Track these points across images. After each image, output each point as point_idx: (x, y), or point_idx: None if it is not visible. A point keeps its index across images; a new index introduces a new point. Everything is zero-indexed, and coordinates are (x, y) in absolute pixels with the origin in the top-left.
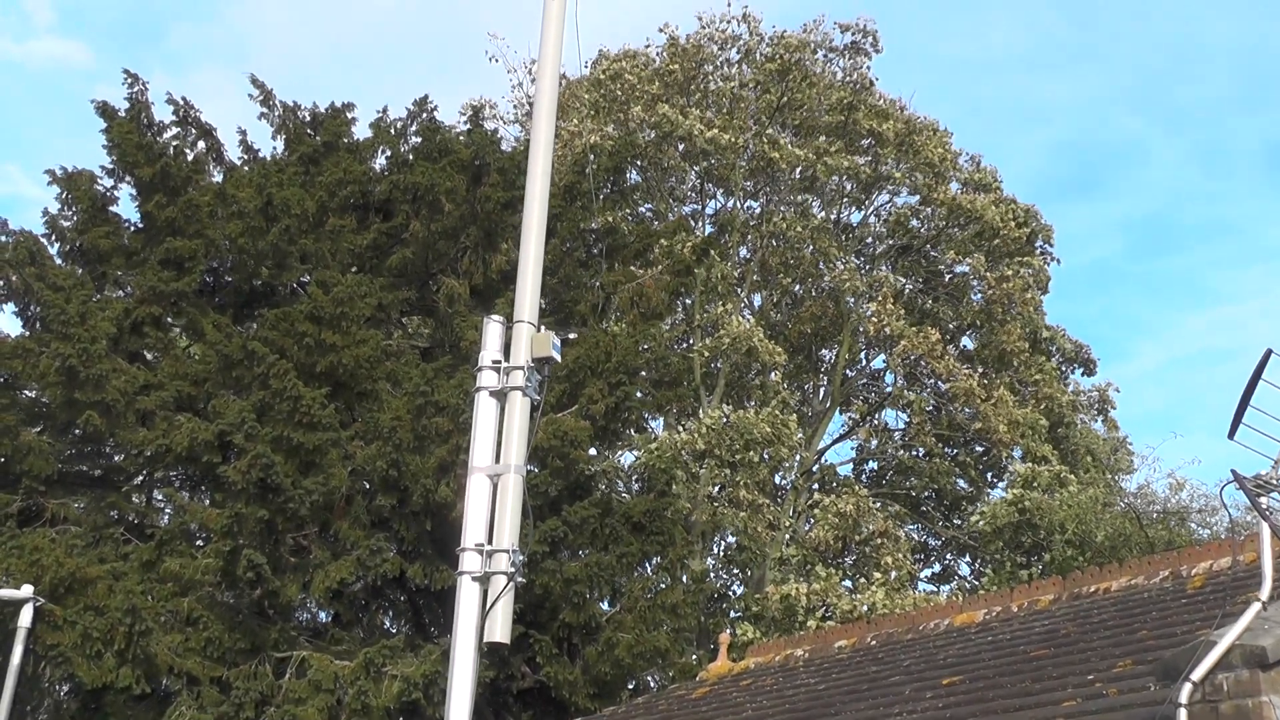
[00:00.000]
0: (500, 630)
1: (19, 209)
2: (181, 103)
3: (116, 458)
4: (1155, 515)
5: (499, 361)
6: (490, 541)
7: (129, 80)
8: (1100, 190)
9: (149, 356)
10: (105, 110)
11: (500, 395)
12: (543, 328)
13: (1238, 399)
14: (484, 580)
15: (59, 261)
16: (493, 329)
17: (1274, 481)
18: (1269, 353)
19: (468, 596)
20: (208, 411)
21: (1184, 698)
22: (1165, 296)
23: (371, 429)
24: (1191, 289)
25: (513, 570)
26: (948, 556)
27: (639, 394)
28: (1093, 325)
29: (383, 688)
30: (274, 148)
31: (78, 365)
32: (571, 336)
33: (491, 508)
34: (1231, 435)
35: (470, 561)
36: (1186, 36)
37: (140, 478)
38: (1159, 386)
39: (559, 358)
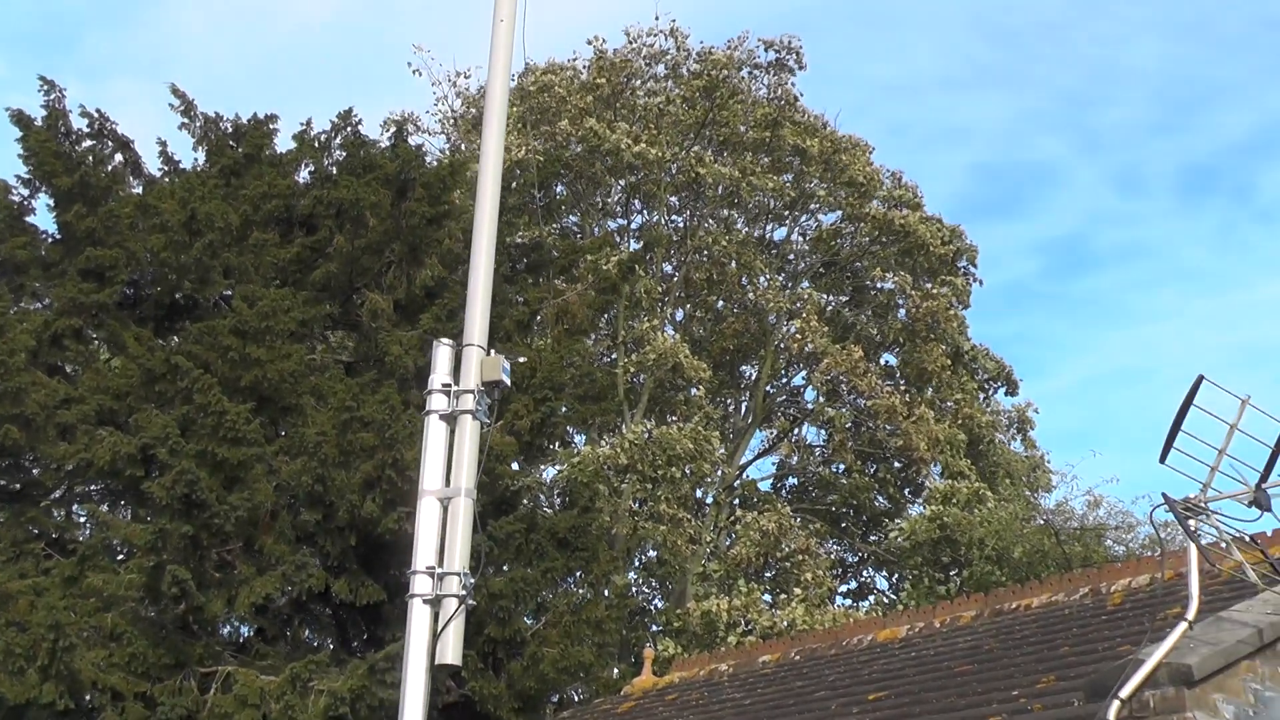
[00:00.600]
0: (452, 652)
1: None
2: (96, 115)
3: (35, 472)
4: (1073, 531)
5: (449, 385)
6: (441, 564)
7: (45, 87)
8: (1018, 211)
9: (69, 370)
10: (21, 119)
11: (450, 419)
12: (492, 351)
13: (1169, 424)
14: (435, 603)
15: None
16: (442, 352)
17: (1203, 504)
18: (1200, 379)
19: (419, 619)
20: (130, 426)
21: (1112, 715)
22: (1082, 316)
23: (296, 444)
24: (1107, 309)
25: (464, 593)
26: (865, 572)
27: (563, 409)
28: (1011, 344)
29: (309, 703)
30: (195, 159)
31: None
32: (521, 360)
33: (442, 531)
34: (1163, 459)
35: (421, 584)
36: (1104, 60)
37: (60, 492)
38: (1076, 405)
39: (508, 381)
